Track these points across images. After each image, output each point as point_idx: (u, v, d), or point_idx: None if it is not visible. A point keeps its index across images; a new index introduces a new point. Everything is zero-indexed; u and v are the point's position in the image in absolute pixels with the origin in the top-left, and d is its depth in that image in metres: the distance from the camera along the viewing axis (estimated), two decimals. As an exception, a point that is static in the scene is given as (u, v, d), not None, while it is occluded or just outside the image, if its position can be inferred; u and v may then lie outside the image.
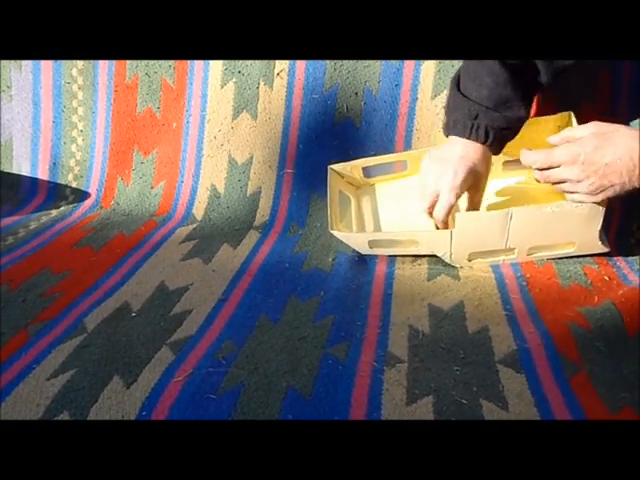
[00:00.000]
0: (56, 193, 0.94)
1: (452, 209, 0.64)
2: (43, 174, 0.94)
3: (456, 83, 0.66)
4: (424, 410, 0.44)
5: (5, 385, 0.47)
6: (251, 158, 0.87)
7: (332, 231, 0.71)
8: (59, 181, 0.94)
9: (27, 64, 0.93)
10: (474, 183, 0.65)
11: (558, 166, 0.57)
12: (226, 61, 0.86)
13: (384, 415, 0.44)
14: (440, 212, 0.64)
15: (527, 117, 0.65)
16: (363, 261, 0.71)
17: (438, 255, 0.68)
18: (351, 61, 0.83)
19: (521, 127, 0.65)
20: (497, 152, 0.65)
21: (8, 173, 0.95)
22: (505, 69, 0.62)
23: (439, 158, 0.65)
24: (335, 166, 0.78)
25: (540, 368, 0.49)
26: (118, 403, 0.45)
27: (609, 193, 0.55)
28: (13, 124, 0.95)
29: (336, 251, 0.74)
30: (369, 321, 0.57)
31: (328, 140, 0.84)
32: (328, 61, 0.83)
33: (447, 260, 0.68)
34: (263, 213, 0.85)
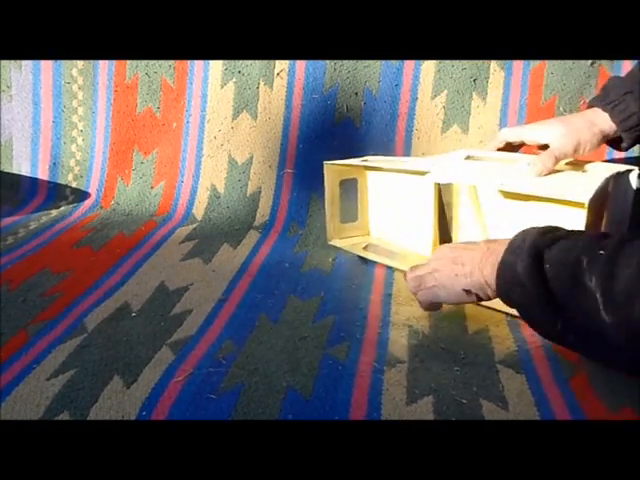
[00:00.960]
0: (56, 193, 0.94)
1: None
2: (43, 174, 0.94)
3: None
4: (424, 410, 0.44)
5: (5, 385, 0.47)
6: (251, 158, 0.87)
7: (330, 242, 0.73)
8: (59, 181, 0.94)
9: (27, 64, 0.93)
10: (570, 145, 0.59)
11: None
12: (226, 61, 0.86)
13: (384, 415, 0.43)
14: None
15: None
16: (363, 261, 0.71)
17: None
18: (351, 61, 0.83)
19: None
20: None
21: (8, 173, 0.95)
22: None
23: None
24: (331, 162, 0.74)
25: (540, 368, 0.49)
26: (118, 403, 0.45)
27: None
28: (13, 124, 0.95)
29: (336, 251, 0.74)
30: (369, 321, 0.57)
31: (328, 140, 0.84)
32: (328, 61, 0.83)
33: None
34: (263, 213, 0.85)
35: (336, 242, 0.76)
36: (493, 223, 0.66)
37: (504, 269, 0.45)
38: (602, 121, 0.58)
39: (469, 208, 0.68)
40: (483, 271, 0.48)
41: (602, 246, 0.40)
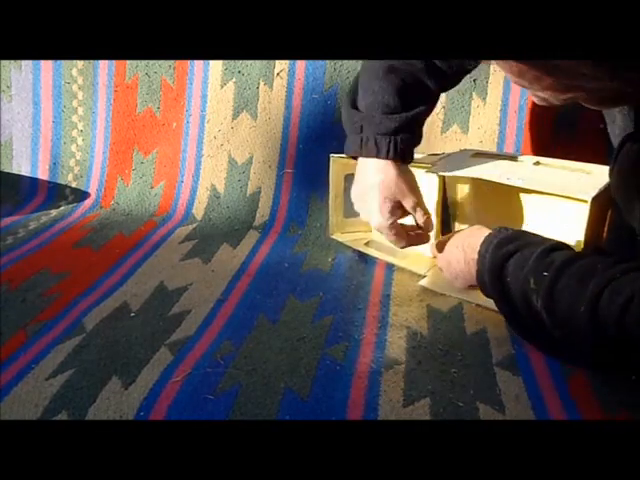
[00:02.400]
0: (56, 193, 0.94)
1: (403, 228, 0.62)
2: (43, 174, 0.95)
3: (350, 98, 0.61)
4: (421, 412, 0.44)
5: (4, 385, 0.47)
6: (251, 158, 0.87)
7: (332, 236, 0.73)
8: (59, 181, 0.94)
9: (27, 64, 0.93)
10: (404, 199, 0.60)
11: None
12: (226, 61, 0.86)
13: (381, 417, 0.44)
14: (389, 238, 0.62)
15: (421, 118, 0.60)
16: (362, 261, 0.71)
17: None
18: (351, 61, 0.83)
19: (418, 129, 0.60)
20: (404, 160, 0.59)
21: (8, 173, 0.95)
22: (394, 74, 0.57)
23: (360, 196, 0.61)
24: (337, 155, 0.73)
25: (538, 371, 0.49)
26: (116, 403, 0.45)
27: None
28: (13, 124, 0.95)
29: (336, 251, 0.74)
30: (368, 322, 0.57)
31: (328, 140, 0.84)
32: (328, 61, 0.83)
33: None
34: (263, 213, 0.85)
35: (337, 236, 0.76)
36: (498, 218, 0.67)
37: (479, 281, 0.53)
38: (384, 173, 0.58)
39: (472, 204, 0.69)
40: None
41: (548, 266, 0.45)
